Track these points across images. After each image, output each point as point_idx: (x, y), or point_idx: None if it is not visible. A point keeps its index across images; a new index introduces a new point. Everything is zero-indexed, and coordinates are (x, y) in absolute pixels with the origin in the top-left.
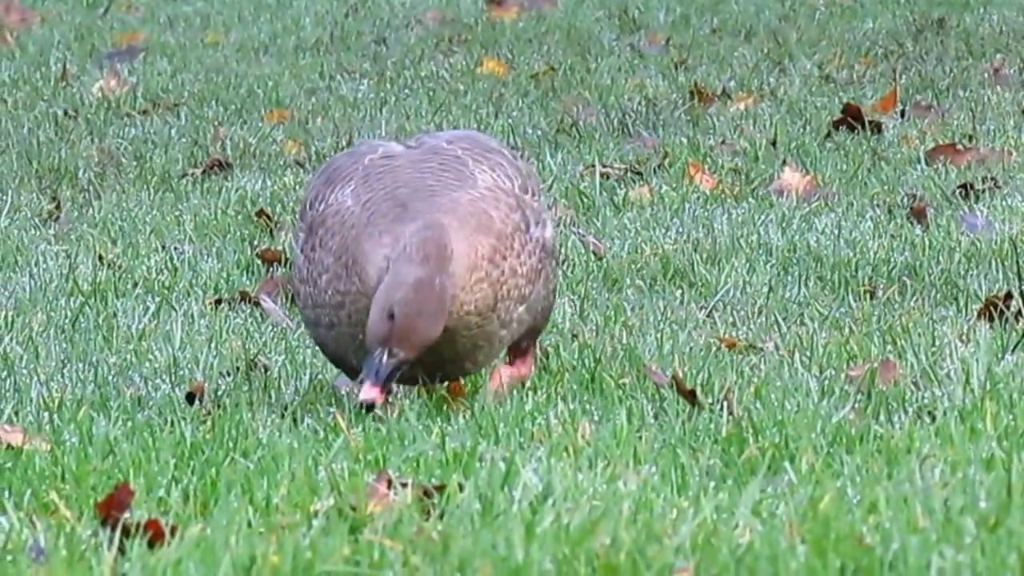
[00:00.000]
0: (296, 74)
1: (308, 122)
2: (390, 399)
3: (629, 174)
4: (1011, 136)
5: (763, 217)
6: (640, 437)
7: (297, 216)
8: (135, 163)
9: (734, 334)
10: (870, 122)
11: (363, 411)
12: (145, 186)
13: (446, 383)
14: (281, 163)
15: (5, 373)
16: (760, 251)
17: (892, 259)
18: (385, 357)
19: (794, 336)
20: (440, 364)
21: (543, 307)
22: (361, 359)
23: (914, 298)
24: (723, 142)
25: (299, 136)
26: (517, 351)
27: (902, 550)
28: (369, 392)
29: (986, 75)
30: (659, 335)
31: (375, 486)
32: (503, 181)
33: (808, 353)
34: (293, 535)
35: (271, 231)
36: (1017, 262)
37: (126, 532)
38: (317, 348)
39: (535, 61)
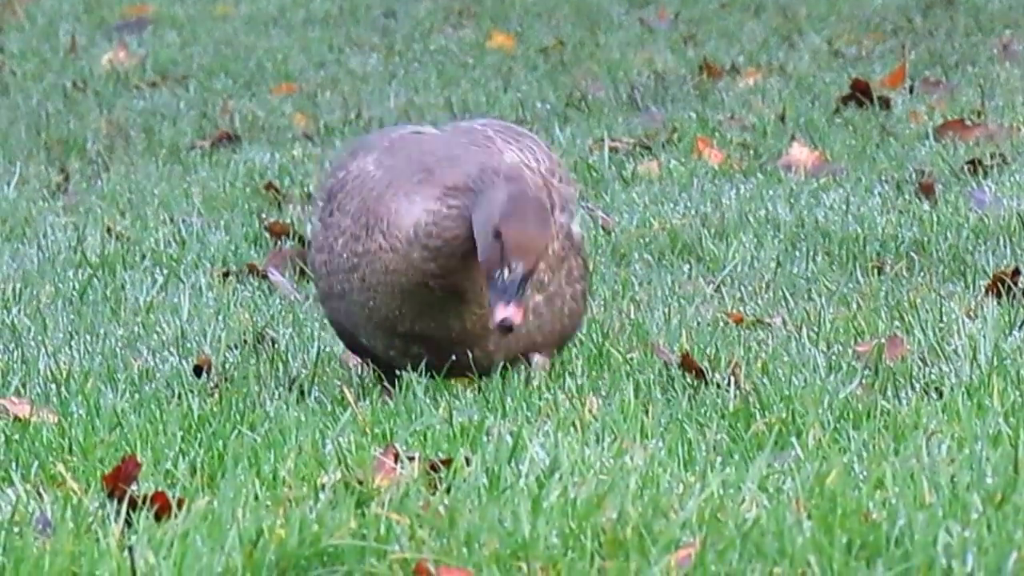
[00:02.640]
0: (305, 47)
1: (317, 95)
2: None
3: (638, 148)
4: (1020, 112)
5: (771, 192)
6: (647, 412)
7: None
8: (143, 135)
9: (742, 309)
10: (879, 97)
11: (503, 331)
12: (153, 158)
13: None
14: (290, 136)
15: (13, 345)
16: (768, 226)
17: (900, 235)
18: (506, 274)
19: (802, 311)
20: (450, 346)
21: (569, 309)
22: (369, 334)
23: (922, 274)
24: (732, 117)
25: (308, 109)
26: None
27: (908, 526)
28: (503, 311)
29: (995, 51)
30: (667, 310)
31: (382, 460)
32: (530, 161)
33: (816, 328)
34: (300, 508)
35: (279, 204)
36: None
37: (133, 504)
38: (329, 325)
39: (544, 35)
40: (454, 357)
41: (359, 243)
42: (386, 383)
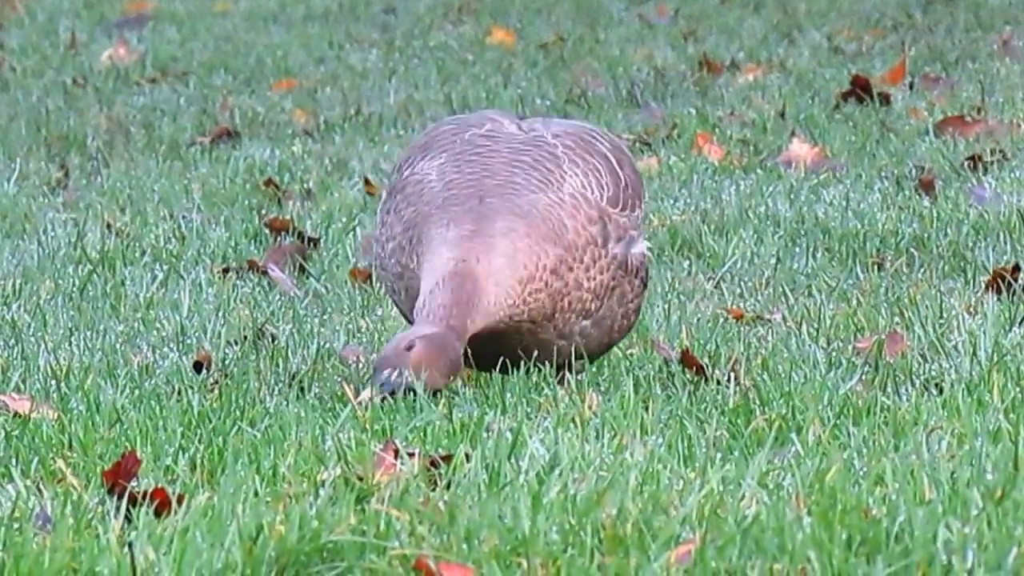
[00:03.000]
0: (305, 43)
1: (317, 91)
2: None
3: (638, 144)
4: (1020, 108)
5: (771, 188)
6: (647, 408)
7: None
8: (143, 131)
9: (741, 305)
10: (879, 94)
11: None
12: (153, 154)
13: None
14: (289, 132)
15: (13, 341)
16: (768, 222)
17: (900, 231)
18: (394, 376)
19: (801, 307)
20: (489, 358)
21: (619, 326)
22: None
23: (922, 270)
24: (731, 113)
25: (307, 105)
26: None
27: (908, 522)
28: (365, 396)
29: (995, 47)
30: (667, 306)
31: (382, 456)
32: (591, 190)
33: (815, 324)
34: (300, 504)
35: (279, 200)
36: None
37: (133, 500)
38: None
39: (544, 31)
40: (491, 366)
41: (404, 255)
42: None
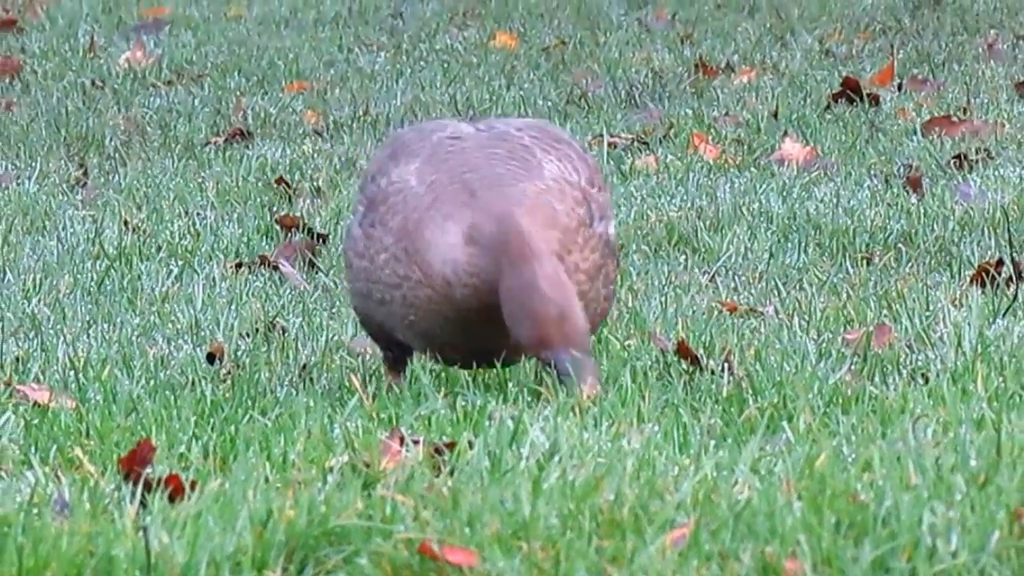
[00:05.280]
0: (315, 46)
1: (327, 93)
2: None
3: (636, 144)
4: (1004, 109)
5: (764, 186)
6: (644, 397)
7: (357, 187)
8: (160, 132)
9: (735, 298)
10: (868, 95)
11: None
12: (169, 154)
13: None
14: (300, 132)
15: (33, 333)
16: (761, 219)
17: (888, 227)
18: (580, 359)
19: (793, 300)
20: (493, 352)
21: (601, 309)
22: (408, 337)
23: (909, 264)
24: (726, 114)
25: (318, 106)
26: None
27: (895, 506)
28: (594, 388)
29: (980, 50)
30: (663, 299)
31: (388, 443)
32: (570, 173)
33: (807, 317)
34: (308, 490)
35: (290, 198)
36: (1008, 230)
37: (148, 487)
38: (354, 311)
39: (546, 35)
40: (490, 360)
41: (401, 265)
42: (394, 374)
